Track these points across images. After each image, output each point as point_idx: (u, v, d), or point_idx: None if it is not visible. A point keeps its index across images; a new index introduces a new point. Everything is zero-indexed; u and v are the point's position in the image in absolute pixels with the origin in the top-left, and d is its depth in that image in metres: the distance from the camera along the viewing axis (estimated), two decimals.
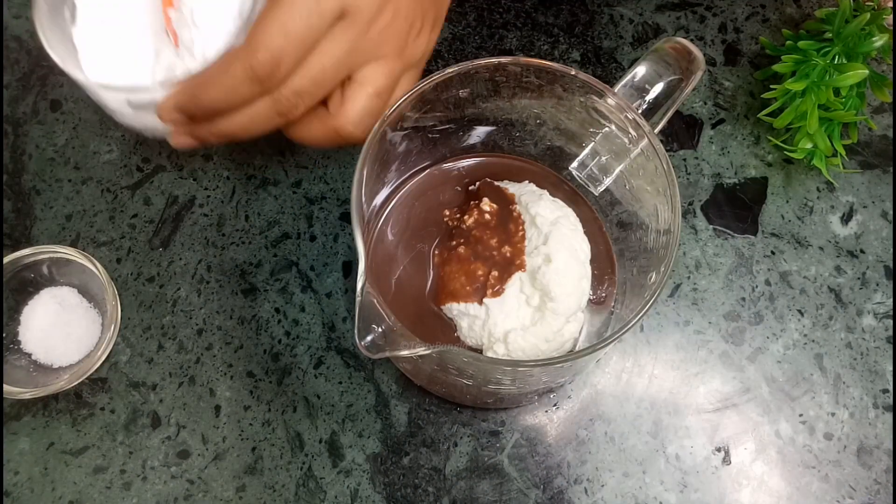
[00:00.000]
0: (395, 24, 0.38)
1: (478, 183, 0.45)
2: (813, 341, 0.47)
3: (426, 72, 0.48)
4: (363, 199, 0.39)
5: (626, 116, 0.39)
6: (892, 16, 0.49)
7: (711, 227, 0.50)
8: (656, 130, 0.39)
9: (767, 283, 0.48)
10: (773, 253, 0.49)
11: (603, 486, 0.44)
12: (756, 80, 0.53)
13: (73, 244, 0.48)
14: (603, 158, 0.42)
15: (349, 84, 0.38)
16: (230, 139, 0.40)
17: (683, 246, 0.49)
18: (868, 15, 0.46)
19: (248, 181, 0.50)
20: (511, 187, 0.44)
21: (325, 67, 0.37)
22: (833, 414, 0.46)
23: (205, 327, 0.47)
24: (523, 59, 0.40)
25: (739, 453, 0.45)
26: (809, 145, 0.47)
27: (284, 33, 0.35)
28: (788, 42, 0.50)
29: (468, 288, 0.41)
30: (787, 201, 0.50)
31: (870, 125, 0.51)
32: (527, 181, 0.45)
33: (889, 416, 0.46)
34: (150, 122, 0.40)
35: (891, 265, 0.49)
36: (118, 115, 0.42)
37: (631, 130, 0.39)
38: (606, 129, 0.41)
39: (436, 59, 0.53)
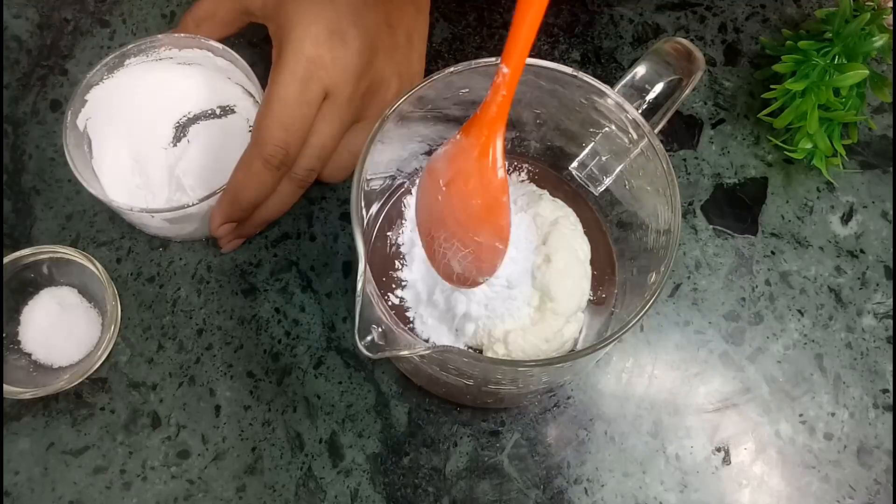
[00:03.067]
0: (373, 89, 0.43)
1: None
2: (813, 341, 0.47)
3: (426, 71, 0.48)
4: (363, 200, 0.39)
5: (626, 116, 0.39)
6: (892, 16, 0.49)
7: (711, 227, 0.49)
8: (656, 130, 0.39)
9: (767, 283, 0.48)
10: (773, 253, 0.49)
11: (603, 486, 0.44)
12: (756, 80, 0.53)
13: (73, 244, 0.48)
14: (603, 158, 0.42)
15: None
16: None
17: (683, 246, 0.49)
18: (868, 15, 0.46)
19: None
20: (511, 187, 0.44)
21: (325, 143, 0.43)
22: (833, 414, 0.46)
23: (205, 327, 0.47)
24: None
25: (739, 453, 0.45)
26: (809, 145, 0.47)
27: (284, 127, 0.40)
28: (788, 42, 0.50)
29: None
30: (787, 201, 0.50)
31: (870, 125, 0.51)
32: (527, 181, 0.45)
33: (889, 416, 0.46)
34: (182, 231, 0.47)
35: (891, 265, 0.49)
36: (151, 229, 0.47)
37: (631, 130, 0.39)
38: (606, 129, 0.41)
39: (436, 59, 0.53)
